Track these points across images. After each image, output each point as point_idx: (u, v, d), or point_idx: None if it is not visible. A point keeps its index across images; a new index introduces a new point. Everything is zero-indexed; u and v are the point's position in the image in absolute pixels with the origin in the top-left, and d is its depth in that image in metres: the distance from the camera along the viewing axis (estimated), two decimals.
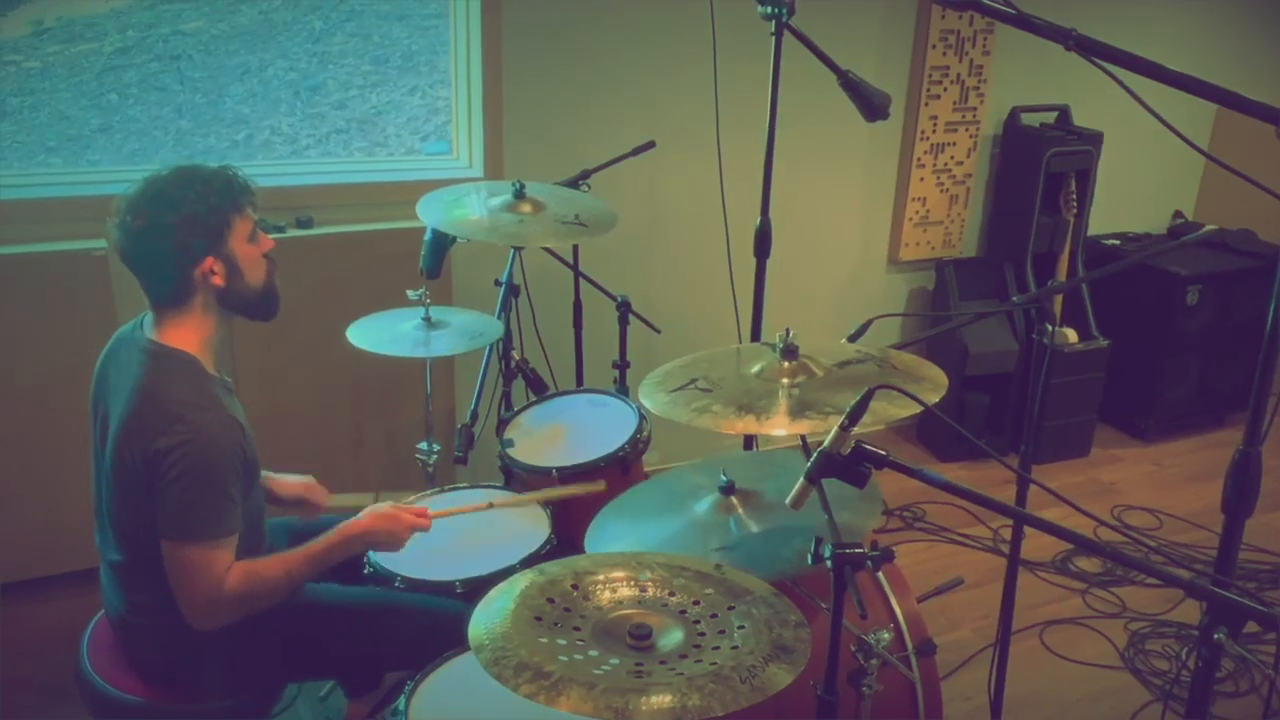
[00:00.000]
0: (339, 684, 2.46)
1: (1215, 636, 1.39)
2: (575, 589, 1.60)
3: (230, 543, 1.86)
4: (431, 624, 2.04)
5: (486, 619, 1.49)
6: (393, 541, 2.10)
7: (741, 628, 1.52)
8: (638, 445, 2.60)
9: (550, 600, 1.56)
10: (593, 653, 1.45)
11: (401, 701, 1.83)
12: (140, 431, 1.80)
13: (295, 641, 2.03)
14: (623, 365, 3.10)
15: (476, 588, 2.15)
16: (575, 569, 1.65)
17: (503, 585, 1.60)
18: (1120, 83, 1.58)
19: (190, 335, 1.92)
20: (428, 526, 2.16)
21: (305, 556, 1.97)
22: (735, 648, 1.47)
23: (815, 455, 1.46)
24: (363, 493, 2.37)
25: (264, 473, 2.12)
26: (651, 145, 3.19)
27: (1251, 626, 1.40)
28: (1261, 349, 1.60)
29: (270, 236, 2.03)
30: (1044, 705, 2.82)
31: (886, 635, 1.74)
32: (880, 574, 2.09)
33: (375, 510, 2.09)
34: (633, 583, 1.62)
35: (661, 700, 1.33)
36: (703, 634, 1.52)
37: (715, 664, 1.42)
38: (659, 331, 3.18)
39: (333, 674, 2.37)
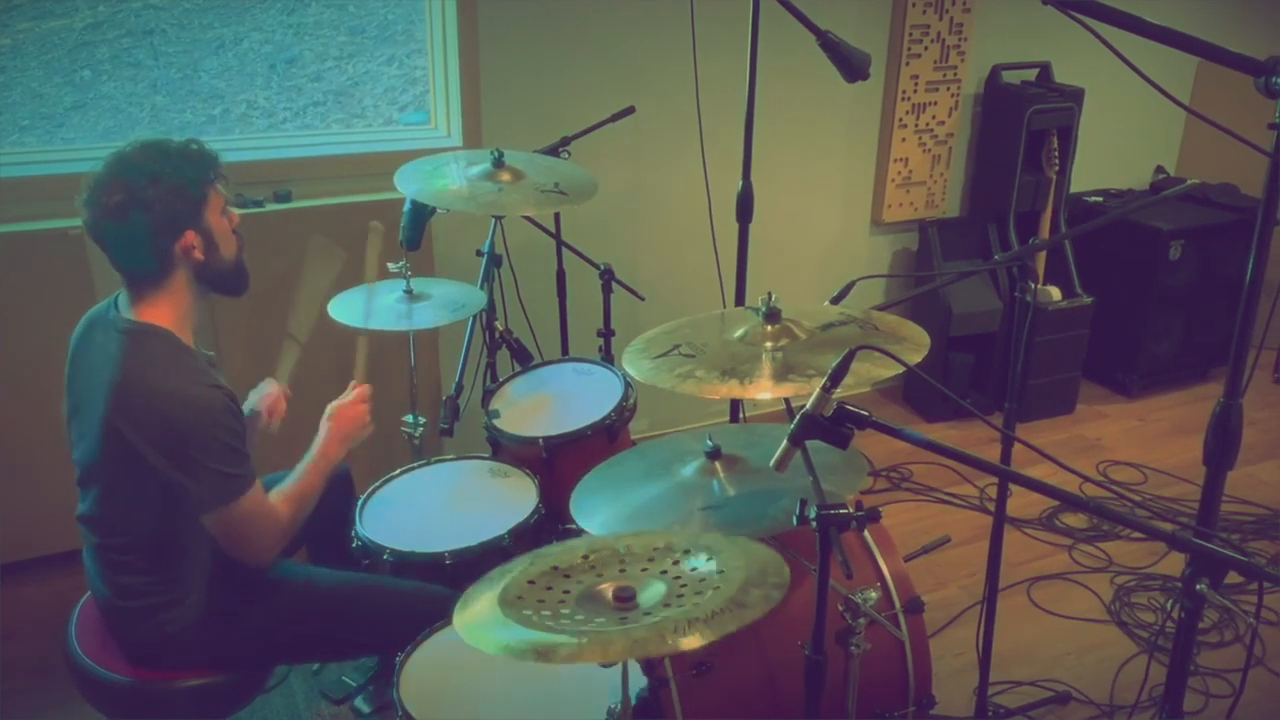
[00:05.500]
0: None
1: (1198, 587, 1.40)
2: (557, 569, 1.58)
3: (259, 483, 1.93)
4: (414, 607, 2.03)
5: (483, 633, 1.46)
6: (354, 434, 2.20)
7: (721, 572, 1.51)
8: (624, 413, 2.60)
9: (531, 582, 1.55)
10: (578, 616, 1.45)
11: (394, 676, 1.85)
12: (140, 417, 1.79)
13: (278, 628, 2.02)
14: (607, 333, 3.09)
15: (465, 559, 2.16)
16: (570, 553, 1.63)
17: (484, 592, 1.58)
18: (1099, 37, 1.57)
19: (167, 311, 1.89)
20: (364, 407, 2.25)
21: (306, 471, 2.07)
22: (717, 589, 1.46)
23: (797, 417, 1.46)
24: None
25: None
26: (631, 110, 3.16)
27: (1234, 577, 1.41)
28: (1241, 302, 1.61)
29: (246, 211, 2.02)
30: (1032, 660, 2.85)
31: (874, 594, 1.75)
32: (867, 533, 2.10)
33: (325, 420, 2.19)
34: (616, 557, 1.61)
35: (646, 636, 1.34)
36: (684, 585, 1.52)
37: (694, 605, 1.42)
38: (643, 299, 3.17)
39: (316, 658, 2.37)
